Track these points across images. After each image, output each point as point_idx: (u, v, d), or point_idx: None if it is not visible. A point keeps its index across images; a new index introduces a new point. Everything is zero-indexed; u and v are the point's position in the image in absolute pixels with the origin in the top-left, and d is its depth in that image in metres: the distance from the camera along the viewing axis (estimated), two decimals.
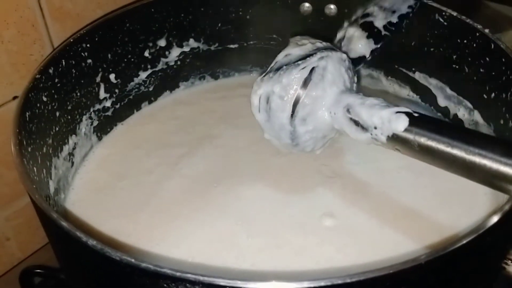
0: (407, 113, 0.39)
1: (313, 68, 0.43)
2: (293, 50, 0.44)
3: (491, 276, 0.38)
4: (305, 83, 0.42)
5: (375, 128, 0.40)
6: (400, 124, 0.38)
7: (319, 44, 0.45)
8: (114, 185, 0.50)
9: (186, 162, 0.52)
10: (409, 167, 0.50)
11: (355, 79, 0.46)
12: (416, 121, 0.38)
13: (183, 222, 0.46)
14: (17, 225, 0.57)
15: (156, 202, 0.48)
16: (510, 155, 0.33)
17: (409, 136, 0.38)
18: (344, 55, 0.45)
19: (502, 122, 0.46)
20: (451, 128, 0.39)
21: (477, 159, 0.34)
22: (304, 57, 0.43)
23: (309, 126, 0.44)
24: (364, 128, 0.41)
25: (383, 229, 0.44)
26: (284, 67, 0.43)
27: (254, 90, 0.44)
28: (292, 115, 0.43)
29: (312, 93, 0.43)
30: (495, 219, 0.30)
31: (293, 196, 0.48)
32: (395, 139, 0.39)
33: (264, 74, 0.44)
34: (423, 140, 0.37)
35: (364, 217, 0.46)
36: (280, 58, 0.44)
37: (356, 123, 0.42)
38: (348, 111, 0.42)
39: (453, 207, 0.46)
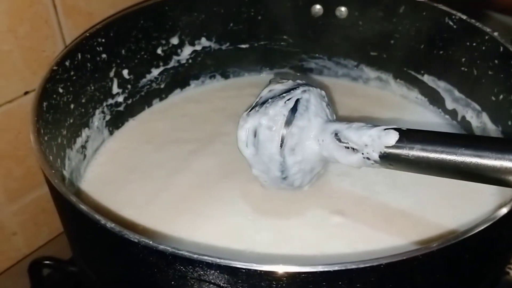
0: (395, 128, 0.40)
1: (297, 100, 0.44)
2: (275, 86, 0.46)
3: (499, 269, 0.39)
4: (292, 113, 0.43)
5: (366, 146, 0.40)
6: (391, 138, 0.39)
7: (299, 81, 0.46)
8: (125, 178, 0.51)
9: (195, 158, 0.52)
10: None
11: (334, 116, 0.47)
12: (406, 134, 0.39)
13: (193, 215, 0.46)
14: (24, 220, 0.57)
15: (166, 196, 0.48)
16: (501, 150, 0.34)
17: (401, 150, 0.39)
18: (323, 92, 0.46)
19: (510, 123, 0.47)
20: (440, 135, 0.39)
21: (473, 160, 0.35)
22: (287, 91, 0.44)
23: (298, 156, 0.44)
24: (354, 149, 0.41)
25: (390, 226, 0.45)
26: (270, 100, 0.44)
27: (240, 125, 0.45)
28: (281, 145, 0.44)
29: (298, 123, 0.44)
30: (505, 210, 0.31)
31: (301, 193, 0.48)
32: (387, 155, 0.40)
33: (249, 109, 0.45)
34: (415, 151, 0.38)
35: (372, 214, 0.46)
36: (264, 93, 0.46)
37: (346, 146, 0.42)
38: (336, 136, 0.43)
39: (459, 206, 0.46)
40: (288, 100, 0.44)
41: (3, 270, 0.57)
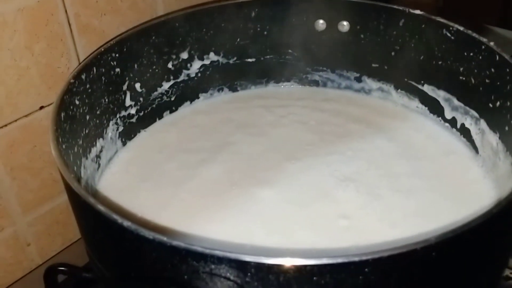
0: None
1: None
2: None
3: (499, 265, 0.40)
4: None
5: None
6: None
7: None
8: (138, 186, 0.52)
9: (205, 167, 0.54)
10: (417, 173, 0.52)
11: None
12: None
13: (203, 221, 0.48)
14: (38, 231, 0.59)
15: (177, 203, 0.50)
16: None
17: None
18: None
19: (507, 129, 0.48)
20: None
21: None
22: None
23: None
24: None
25: (394, 229, 0.46)
26: None
27: None
28: None
29: None
30: (502, 205, 0.32)
31: (307, 198, 0.50)
32: None
33: None
34: None
35: (377, 218, 0.48)
36: None
37: None
38: None
39: (461, 210, 0.48)
40: None
41: (16, 279, 0.59)
